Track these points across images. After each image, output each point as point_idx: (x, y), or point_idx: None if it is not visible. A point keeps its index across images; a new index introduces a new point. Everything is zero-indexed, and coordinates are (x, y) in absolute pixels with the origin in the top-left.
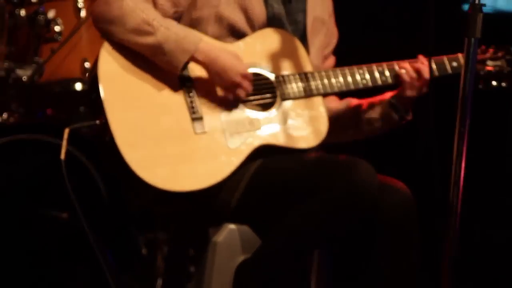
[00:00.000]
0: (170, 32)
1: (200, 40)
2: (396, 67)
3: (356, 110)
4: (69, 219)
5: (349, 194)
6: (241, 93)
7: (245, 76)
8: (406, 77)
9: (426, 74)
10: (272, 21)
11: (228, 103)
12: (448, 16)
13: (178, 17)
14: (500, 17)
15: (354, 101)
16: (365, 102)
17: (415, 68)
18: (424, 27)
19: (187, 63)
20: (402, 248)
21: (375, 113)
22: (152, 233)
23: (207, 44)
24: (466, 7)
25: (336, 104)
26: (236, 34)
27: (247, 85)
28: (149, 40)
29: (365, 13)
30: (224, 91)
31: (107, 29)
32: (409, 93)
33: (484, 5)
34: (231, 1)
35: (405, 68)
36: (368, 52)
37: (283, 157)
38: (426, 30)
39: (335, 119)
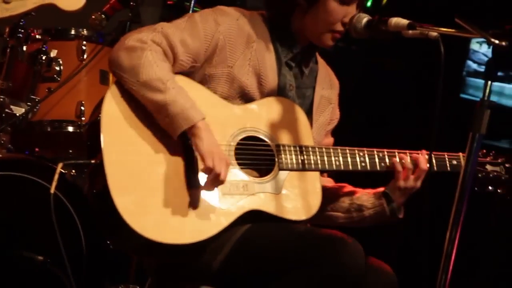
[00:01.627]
0: (179, 97)
1: (203, 117)
2: (396, 156)
3: (348, 195)
4: (44, 262)
5: (335, 274)
6: (213, 183)
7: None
8: (399, 167)
9: (423, 165)
10: (282, 91)
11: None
12: (448, 106)
13: (192, 72)
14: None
15: (349, 187)
16: (359, 190)
17: (413, 158)
18: (430, 121)
19: (185, 131)
20: None
21: (367, 202)
22: (125, 285)
23: (207, 125)
24: (464, 95)
25: (330, 185)
26: (245, 97)
27: (222, 177)
28: (157, 97)
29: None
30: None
31: (119, 75)
32: (402, 184)
33: (494, 102)
34: (246, 65)
35: (402, 158)
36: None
37: (271, 225)
38: (431, 124)
39: (326, 200)
